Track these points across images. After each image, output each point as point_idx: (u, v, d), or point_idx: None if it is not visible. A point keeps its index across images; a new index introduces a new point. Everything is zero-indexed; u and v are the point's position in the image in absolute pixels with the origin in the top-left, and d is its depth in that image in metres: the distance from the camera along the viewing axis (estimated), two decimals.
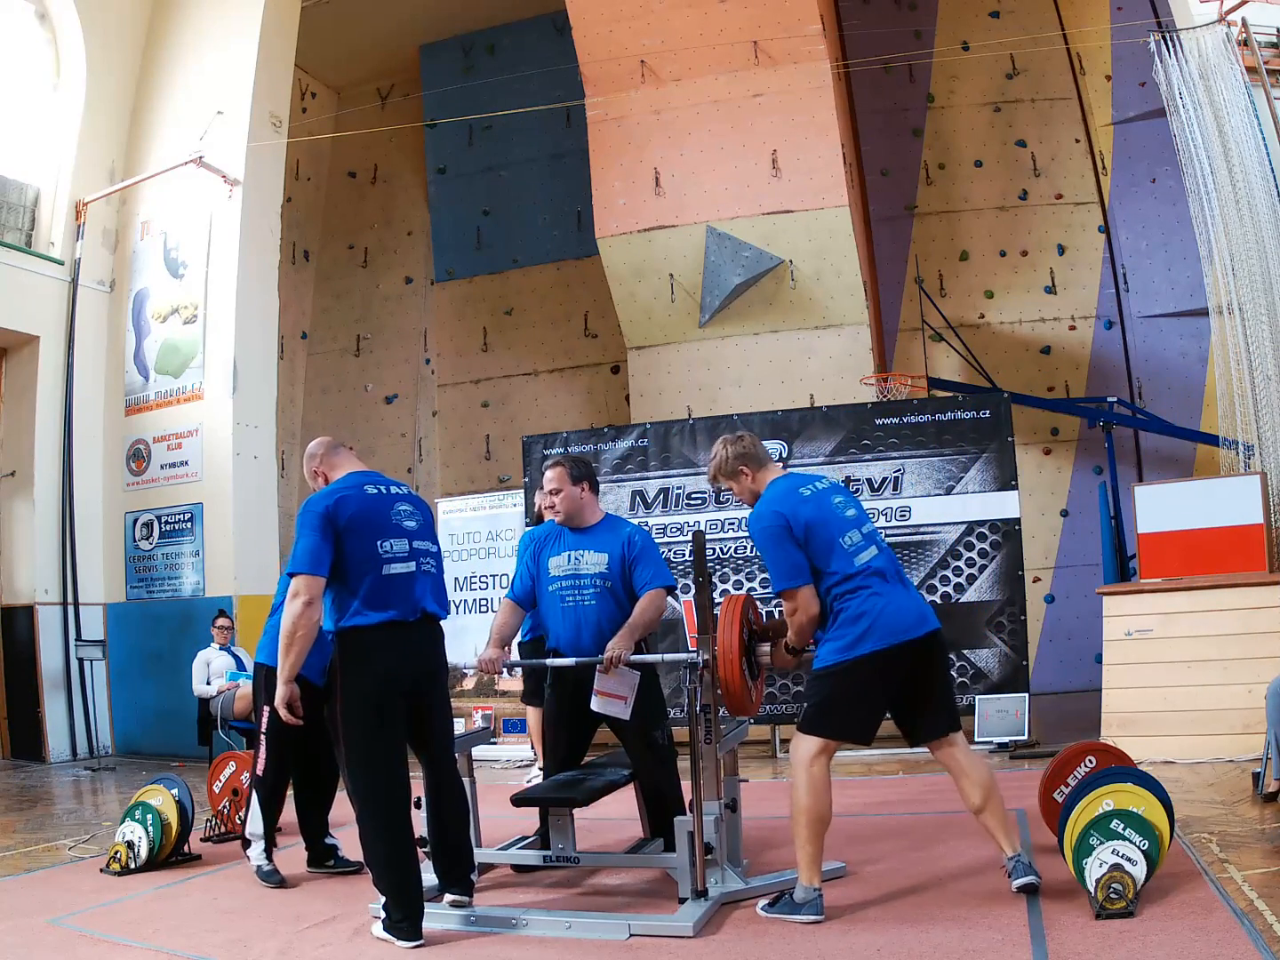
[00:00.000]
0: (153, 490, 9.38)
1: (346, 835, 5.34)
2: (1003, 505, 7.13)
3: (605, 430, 8.30)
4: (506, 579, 8.15)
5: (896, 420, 7.35)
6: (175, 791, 4.76)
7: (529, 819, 4.45)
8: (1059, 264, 10.64)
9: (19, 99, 9.48)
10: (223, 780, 5.44)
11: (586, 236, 10.34)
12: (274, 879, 4.29)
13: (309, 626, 3.41)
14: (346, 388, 12.51)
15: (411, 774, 3.54)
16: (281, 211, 9.88)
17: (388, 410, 12.33)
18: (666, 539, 7.55)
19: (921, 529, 7.15)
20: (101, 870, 4.61)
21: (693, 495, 7.64)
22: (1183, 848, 3.84)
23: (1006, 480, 7.15)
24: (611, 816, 4.86)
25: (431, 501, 10.47)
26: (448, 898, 3.60)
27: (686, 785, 3.86)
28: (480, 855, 4.15)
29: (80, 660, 8.95)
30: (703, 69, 9.36)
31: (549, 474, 4.26)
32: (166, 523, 9.27)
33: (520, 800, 4.05)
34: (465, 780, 3.90)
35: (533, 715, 6.84)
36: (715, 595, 6.42)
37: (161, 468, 9.34)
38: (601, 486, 7.84)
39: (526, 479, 8.08)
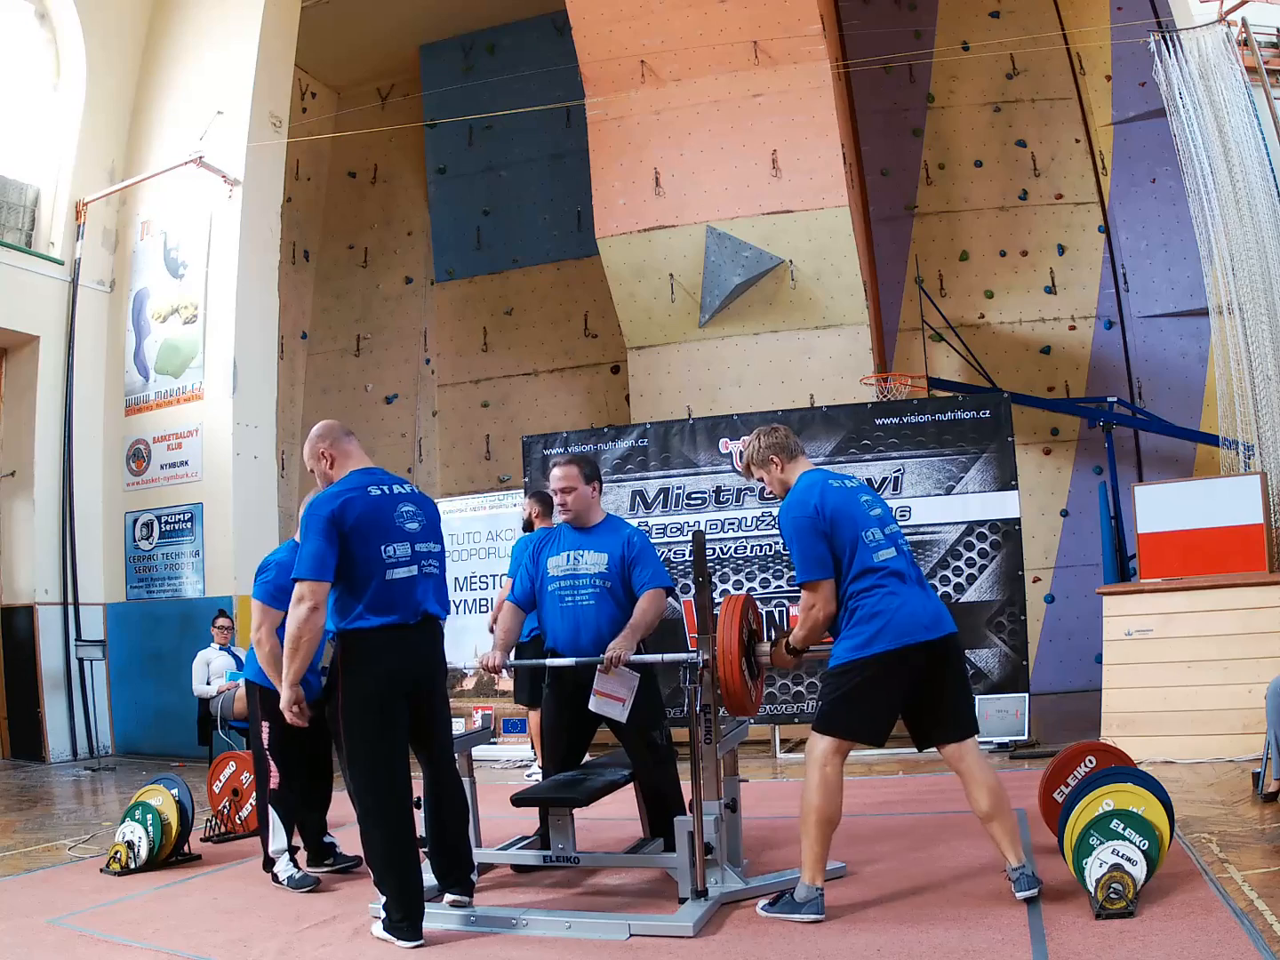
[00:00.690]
0: (153, 490, 9.38)
1: (346, 835, 5.35)
2: (1003, 505, 7.13)
3: (605, 430, 8.29)
4: (506, 579, 8.16)
5: (896, 420, 7.35)
6: (175, 791, 4.76)
7: (529, 819, 4.45)
8: (1059, 264, 10.64)
9: (19, 99, 9.48)
10: (223, 780, 5.44)
11: (586, 236, 10.34)
12: (308, 882, 4.25)
13: (314, 632, 3.43)
14: (346, 388, 12.51)
15: (412, 774, 3.55)
16: (281, 211, 9.88)
17: (388, 410, 12.34)
18: (666, 539, 7.56)
19: (921, 529, 7.15)
20: (101, 870, 4.61)
21: (693, 495, 7.64)
22: (1183, 848, 3.84)
23: (1006, 480, 7.15)
24: (611, 816, 4.86)
25: None
26: (447, 898, 3.60)
27: (686, 785, 3.86)
28: (480, 855, 4.15)
29: (80, 660, 8.96)
30: (703, 69, 9.36)
31: (561, 471, 4.21)
32: (166, 523, 9.27)
33: (520, 800, 4.05)
34: (465, 780, 3.90)
35: (533, 716, 6.86)
36: (715, 595, 6.43)
37: (161, 468, 9.34)
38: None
39: (526, 479, 8.08)
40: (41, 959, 3.48)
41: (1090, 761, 4.01)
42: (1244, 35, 7.08)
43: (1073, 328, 10.57)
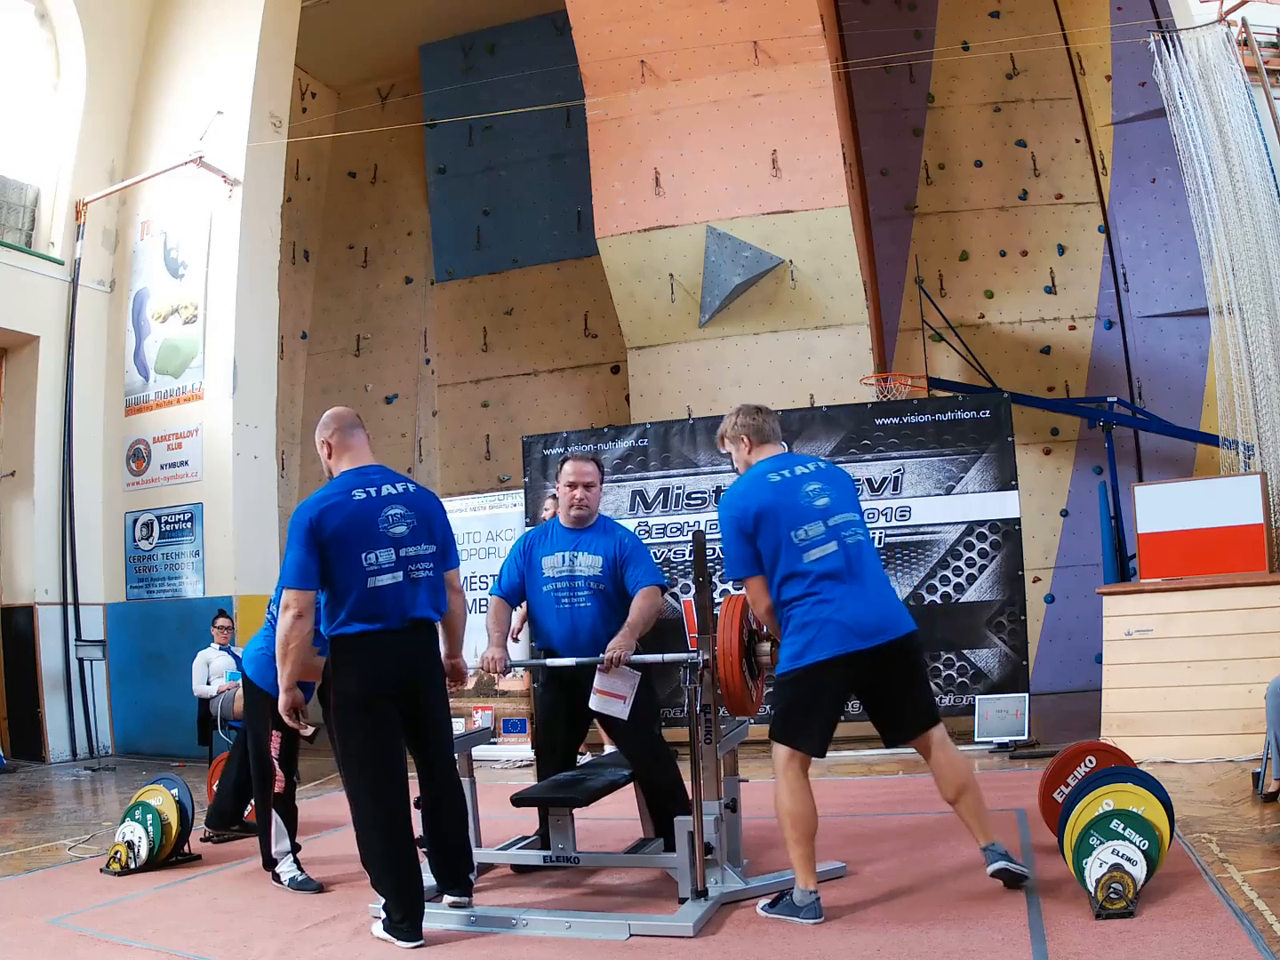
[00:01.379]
0: (153, 490, 9.38)
1: (344, 836, 5.35)
2: (1003, 505, 7.13)
3: (605, 430, 8.30)
4: None
5: (896, 420, 7.35)
6: (175, 791, 4.76)
7: (529, 819, 4.45)
8: (1059, 264, 10.64)
9: (19, 99, 9.48)
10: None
11: (586, 236, 10.34)
12: (311, 885, 4.25)
13: (300, 638, 3.45)
14: (346, 388, 12.51)
15: (414, 774, 3.55)
16: (281, 211, 9.88)
17: (388, 410, 12.33)
18: (666, 539, 7.56)
19: (921, 529, 7.15)
20: (101, 870, 4.61)
21: (693, 495, 7.64)
22: (1183, 848, 3.84)
23: (1006, 480, 7.15)
24: (611, 816, 4.86)
25: None
26: (446, 899, 3.59)
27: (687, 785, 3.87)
28: (480, 855, 4.15)
29: (80, 660, 8.96)
30: (703, 69, 9.36)
31: (587, 467, 4.24)
32: (166, 523, 9.27)
33: (520, 800, 4.05)
34: (465, 780, 3.88)
35: None
36: (715, 595, 6.42)
37: (161, 468, 9.34)
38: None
39: (526, 479, 8.08)
40: (41, 959, 3.48)
41: (1090, 761, 4.01)
42: (1244, 35, 7.08)
43: (1073, 328, 10.57)
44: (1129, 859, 3.20)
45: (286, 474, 11.93)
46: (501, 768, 7.58)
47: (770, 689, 4.01)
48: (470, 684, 8.16)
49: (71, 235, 9.55)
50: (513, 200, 12.06)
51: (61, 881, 4.54)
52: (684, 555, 7.43)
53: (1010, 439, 7.20)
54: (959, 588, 7.13)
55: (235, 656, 7.53)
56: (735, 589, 7.31)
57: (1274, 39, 7.22)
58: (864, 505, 7.18)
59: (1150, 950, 2.86)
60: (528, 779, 6.92)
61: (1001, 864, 3.42)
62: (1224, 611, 5.96)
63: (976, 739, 6.83)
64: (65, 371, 9.40)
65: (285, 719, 3.57)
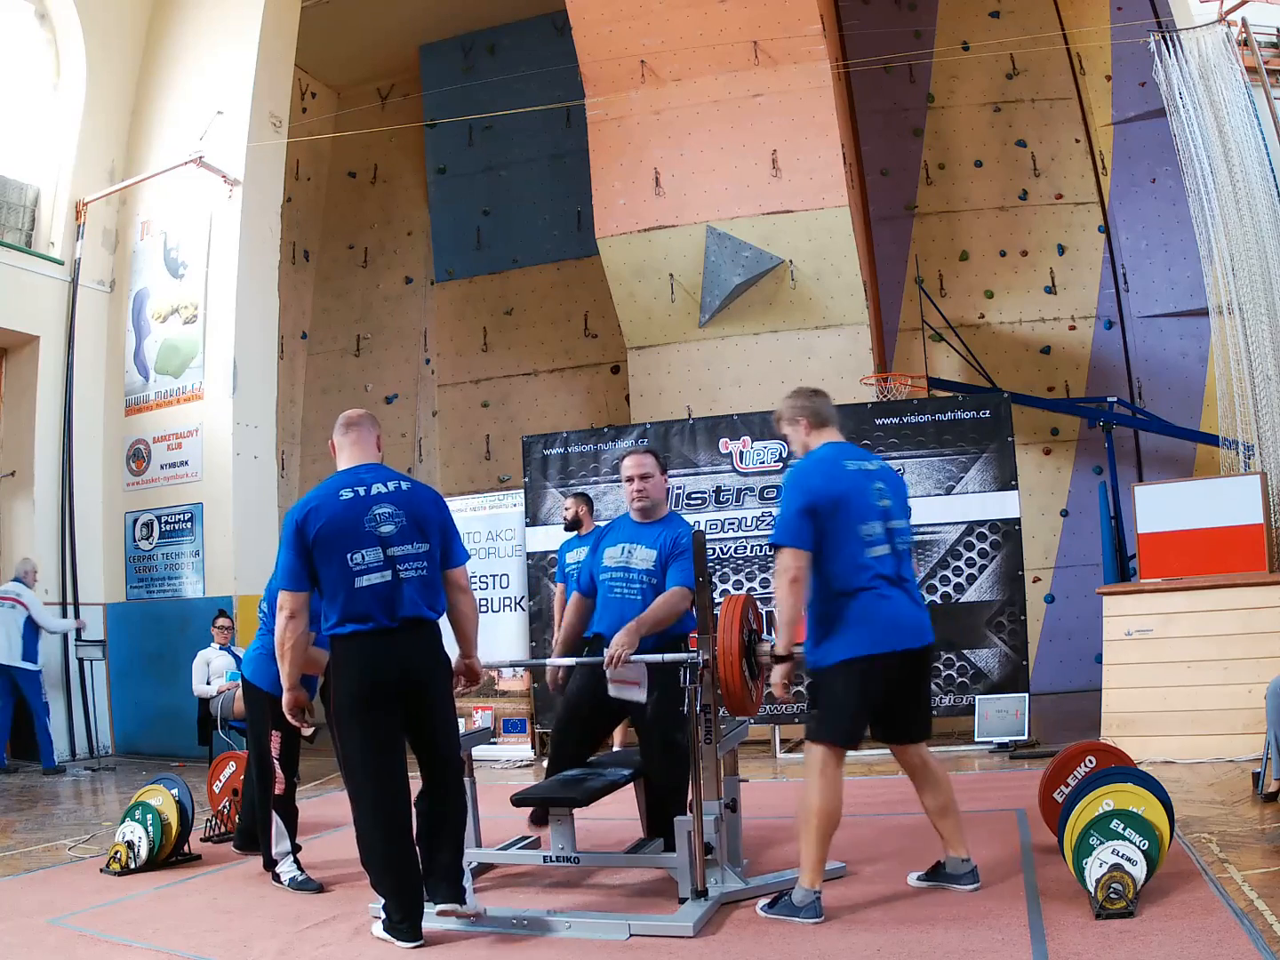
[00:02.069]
0: (153, 490, 9.37)
1: (343, 837, 5.35)
2: (1003, 505, 7.13)
3: (605, 430, 8.30)
4: (507, 579, 8.17)
5: (896, 420, 7.35)
6: (175, 791, 4.76)
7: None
8: (1059, 264, 10.64)
9: (19, 99, 9.47)
10: (223, 780, 5.44)
11: (586, 236, 10.34)
12: (311, 885, 4.25)
13: (294, 638, 3.47)
14: (346, 388, 12.51)
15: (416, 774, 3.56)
16: (281, 211, 9.88)
17: (388, 410, 12.33)
18: None
19: (921, 529, 7.15)
20: (101, 870, 4.61)
21: (693, 495, 7.64)
22: (1183, 848, 3.85)
23: (1006, 480, 7.15)
24: (611, 816, 4.86)
25: None
26: (436, 907, 3.48)
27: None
28: (480, 855, 4.16)
29: (80, 660, 8.95)
30: (703, 69, 9.36)
31: (644, 458, 4.25)
32: (166, 523, 9.27)
33: (520, 800, 4.05)
34: (465, 780, 3.85)
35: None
36: (715, 595, 6.42)
37: (161, 468, 9.34)
38: (601, 487, 7.92)
39: (527, 479, 8.08)
40: (41, 959, 3.48)
41: (1090, 761, 4.01)
42: (1244, 35, 7.08)
43: (1073, 328, 10.57)
44: (1129, 859, 3.20)
45: (286, 474, 11.94)
46: (501, 768, 7.58)
47: (802, 685, 4.00)
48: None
49: (71, 235, 9.54)
50: (513, 200, 12.06)
51: (61, 881, 4.54)
52: None
53: (1010, 439, 7.20)
54: (959, 588, 7.13)
55: (235, 656, 7.53)
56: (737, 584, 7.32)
57: (1274, 39, 7.22)
58: None
59: (1150, 950, 2.86)
60: (528, 779, 6.93)
61: (975, 886, 3.57)
62: (1224, 611, 5.96)
63: (976, 739, 6.83)
64: (65, 371, 9.39)
65: (290, 718, 3.58)
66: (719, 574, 7.39)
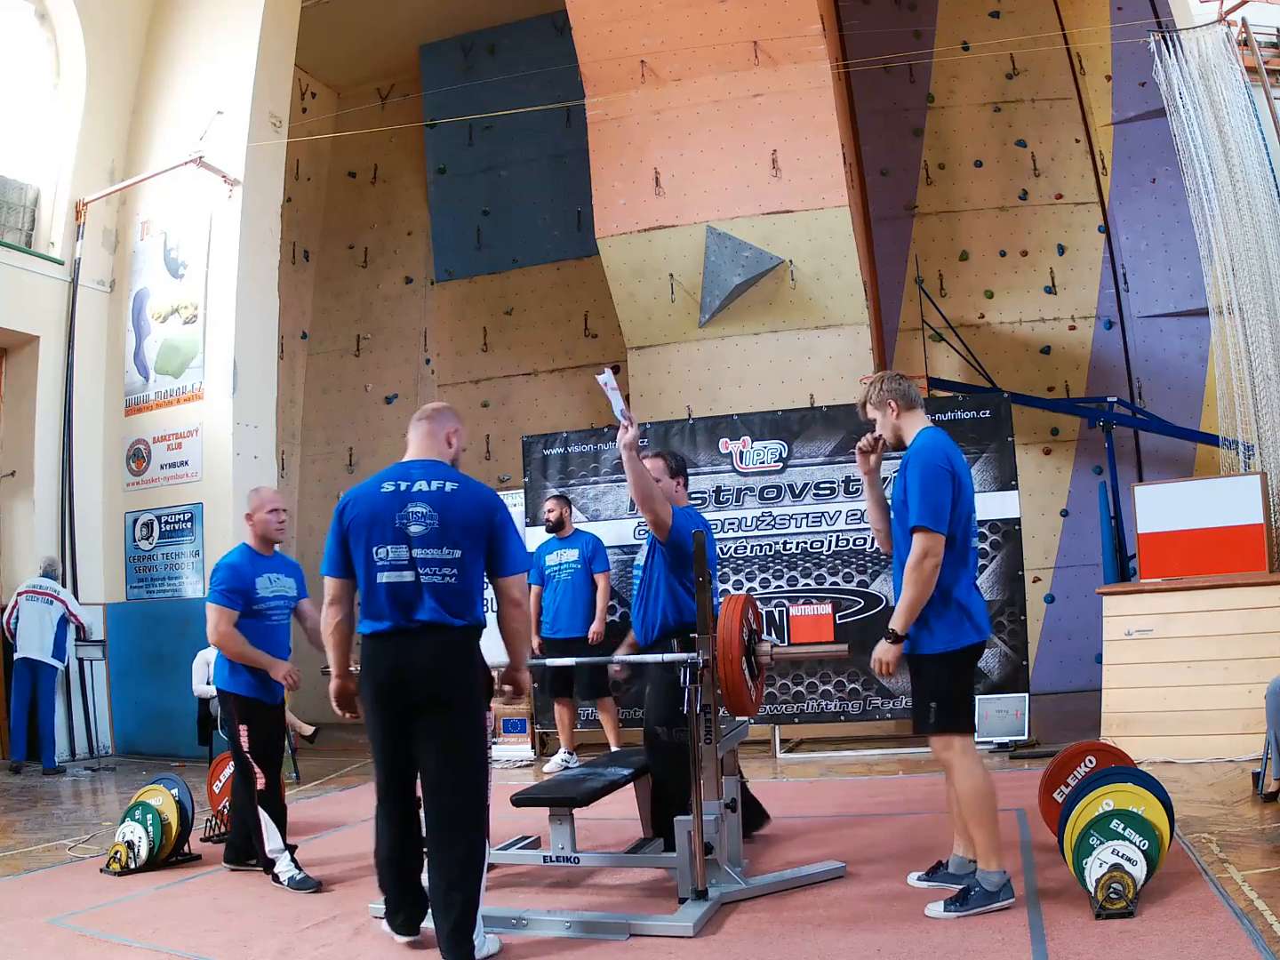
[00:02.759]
0: (153, 490, 9.37)
1: (345, 835, 5.35)
2: (1003, 505, 7.13)
3: (605, 430, 8.29)
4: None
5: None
6: (175, 791, 4.77)
7: (529, 819, 4.45)
8: (1059, 264, 10.64)
9: (19, 99, 9.47)
10: (223, 780, 5.43)
11: (586, 236, 10.33)
12: (310, 884, 4.26)
13: (332, 624, 3.46)
14: (346, 388, 12.51)
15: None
16: (281, 211, 9.87)
17: (388, 410, 12.33)
18: None
19: None
20: (101, 870, 4.61)
21: (692, 495, 7.61)
22: (1183, 848, 3.85)
23: (1006, 480, 7.15)
24: (611, 816, 4.86)
25: None
26: (395, 937, 3.40)
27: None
28: None
29: (80, 660, 8.95)
30: (703, 69, 9.35)
31: (649, 463, 4.36)
32: (166, 523, 9.27)
33: (520, 800, 4.05)
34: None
35: (559, 709, 7.33)
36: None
37: (161, 468, 9.34)
38: (601, 487, 7.93)
39: (527, 479, 8.08)
40: (41, 959, 3.48)
41: (1090, 761, 4.02)
42: (1244, 35, 7.08)
43: (1073, 328, 10.57)
44: (1129, 859, 3.20)
45: (286, 474, 11.93)
46: (501, 767, 7.58)
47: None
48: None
49: (71, 235, 9.54)
50: (513, 200, 12.06)
51: (61, 881, 4.54)
52: None
53: (1010, 439, 7.20)
54: None
55: None
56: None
57: (1274, 39, 7.22)
58: (864, 505, 7.19)
59: (1150, 950, 2.87)
60: (528, 779, 6.93)
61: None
62: (1224, 611, 5.96)
63: (977, 739, 6.81)
64: (65, 371, 9.39)
65: (335, 707, 3.56)
66: (719, 574, 7.39)
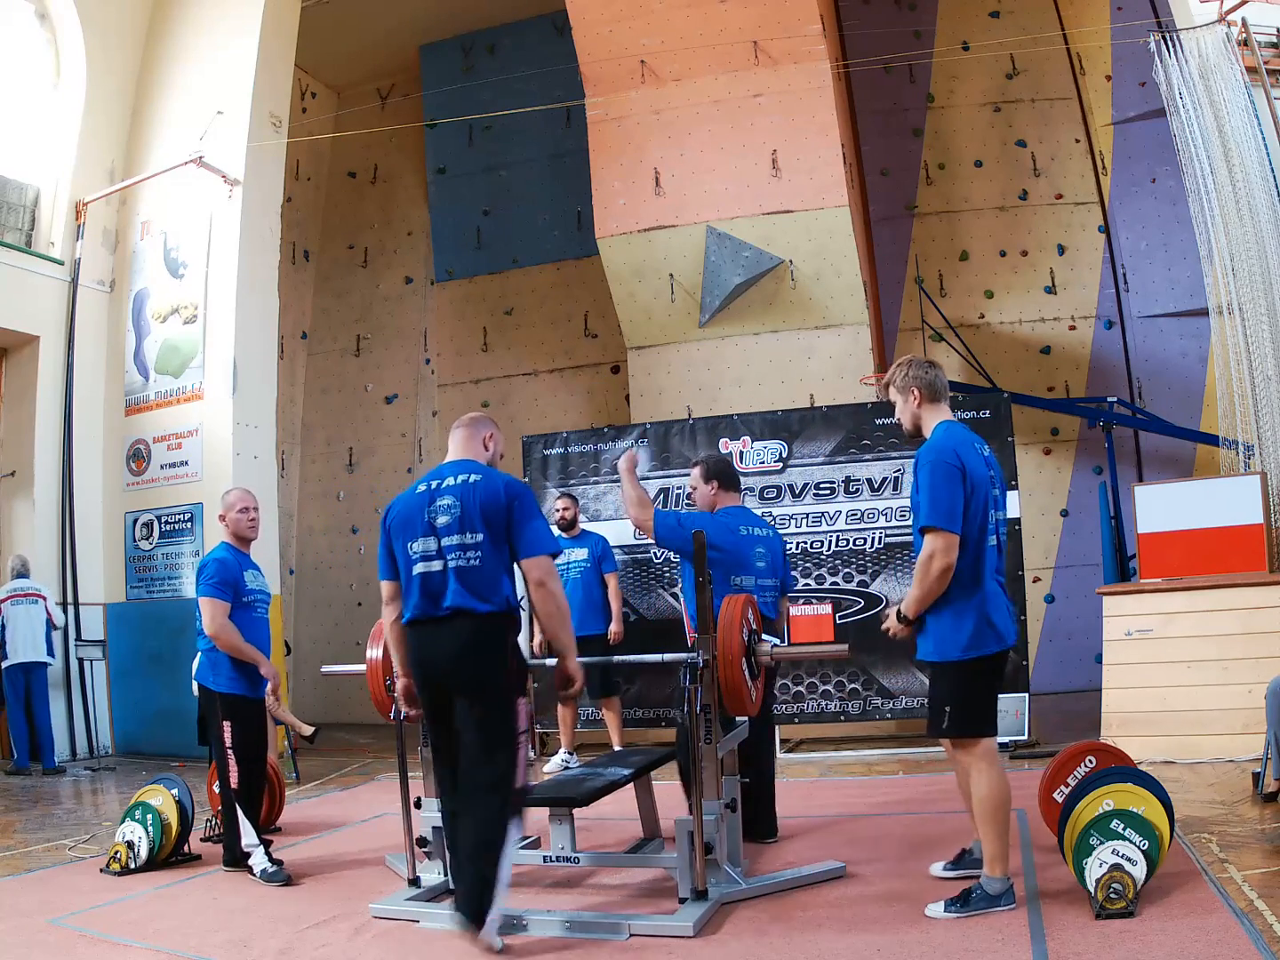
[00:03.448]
0: (153, 490, 9.37)
1: (345, 835, 5.35)
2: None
3: (605, 430, 8.30)
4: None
5: (896, 420, 7.32)
6: (175, 791, 4.77)
7: (529, 818, 4.45)
8: (1059, 264, 10.63)
9: (19, 99, 9.47)
10: None
11: (586, 236, 10.33)
12: (281, 877, 4.29)
13: (389, 623, 3.65)
14: (346, 388, 12.51)
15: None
16: (281, 211, 9.87)
17: (388, 410, 12.33)
18: None
19: None
20: (101, 870, 4.61)
21: (692, 495, 7.62)
22: (1183, 848, 3.85)
23: (1006, 480, 7.10)
24: (611, 816, 4.86)
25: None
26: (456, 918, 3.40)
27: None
28: None
29: (80, 660, 8.95)
30: (703, 69, 9.35)
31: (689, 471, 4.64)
32: (166, 523, 9.27)
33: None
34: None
35: (562, 710, 7.33)
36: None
37: (161, 468, 9.34)
38: (602, 487, 7.93)
39: (527, 479, 8.08)
40: (41, 959, 3.48)
41: (1090, 761, 4.02)
42: (1244, 35, 7.08)
43: (1073, 328, 10.57)
44: (1129, 859, 3.20)
45: (286, 474, 11.93)
46: None
47: (925, 677, 4.04)
48: None
49: (71, 235, 9.54)
50: (513, 200, 12.06)
51: (61, 881, 4.54)
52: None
53: (1010, 439, 7.20)
54: None
55: None
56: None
57: (1274, 39, 7.22)
58: (864, 505, 7.33)
59: (1150, 950, 2.87)
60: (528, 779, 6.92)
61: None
62: (1224, 611, 5.96)
63: None
64: (65, 371, 9.39)
65: (401, 704, 3.72)
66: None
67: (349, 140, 11.93)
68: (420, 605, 3.49)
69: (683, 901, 3.56)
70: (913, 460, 3.62)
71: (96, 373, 9.67)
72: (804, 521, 7.42)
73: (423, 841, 4.05)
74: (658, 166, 9.43)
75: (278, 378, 9.90)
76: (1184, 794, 4.84)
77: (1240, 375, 6.81)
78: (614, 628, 7.10)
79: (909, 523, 7.15)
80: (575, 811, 4.08)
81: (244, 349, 9.17)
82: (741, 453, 7.60)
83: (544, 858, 4.12)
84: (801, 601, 7.29)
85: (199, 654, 4.68)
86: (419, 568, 3.49)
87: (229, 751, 4.45)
